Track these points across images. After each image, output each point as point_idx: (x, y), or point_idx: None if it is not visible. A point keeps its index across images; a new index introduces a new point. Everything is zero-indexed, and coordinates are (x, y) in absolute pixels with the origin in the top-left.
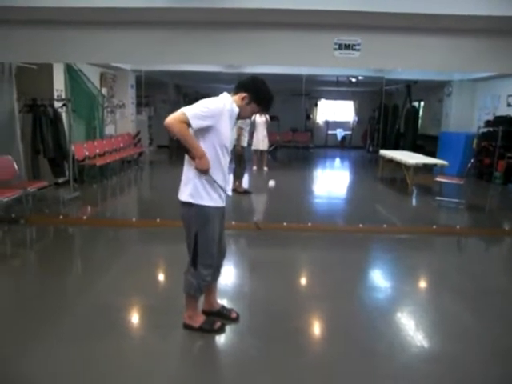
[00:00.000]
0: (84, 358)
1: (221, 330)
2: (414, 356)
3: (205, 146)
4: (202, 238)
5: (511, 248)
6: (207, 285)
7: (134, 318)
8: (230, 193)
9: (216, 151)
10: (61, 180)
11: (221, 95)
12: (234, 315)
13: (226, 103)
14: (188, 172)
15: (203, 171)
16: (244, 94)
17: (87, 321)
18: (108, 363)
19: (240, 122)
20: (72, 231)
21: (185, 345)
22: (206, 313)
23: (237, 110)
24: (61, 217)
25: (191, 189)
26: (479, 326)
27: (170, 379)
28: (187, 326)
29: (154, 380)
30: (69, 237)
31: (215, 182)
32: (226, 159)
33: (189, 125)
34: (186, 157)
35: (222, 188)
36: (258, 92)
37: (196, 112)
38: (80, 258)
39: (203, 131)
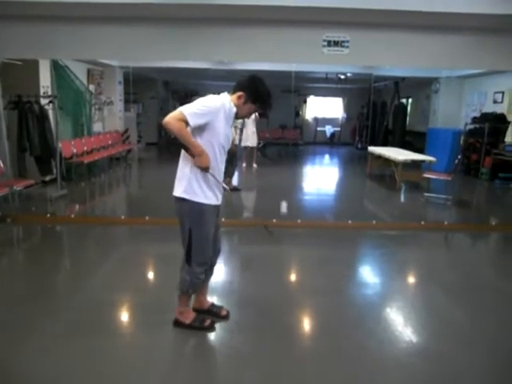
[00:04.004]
0: (77, 357)
1: (211, 328)
2: (404, 351)
3: (202, 144)
4: (196, 235)
5: (498, 243)
6: (201, 282)
7: (125, 315)
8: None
9: (214, 149)
10: (48, 178)
11: (220, 94)
12: (223, 313)
13: (224, 102)
14: (184, 168)
15: (204, 168)
16: (240, 93)
17: (78, 320)
18: (101, 361)
19: (238, 121)
20: (60, 230)
21: (175, 342)
22: (196, 311)
23: (234, 109)
24: (48, 215)
25: (185, 185)
26: (467, 321)
27: (160, 376)
28: (177, 322)
29: (144, 377)
30: (56, 235)
31: (215, 178)
32: (222, 158)
33: (187, 123)
34: (183, 153)
35: (221, 185)
36: (254, 91)
37: (193, 110)
38: (68, 257)
39: (201, 129)
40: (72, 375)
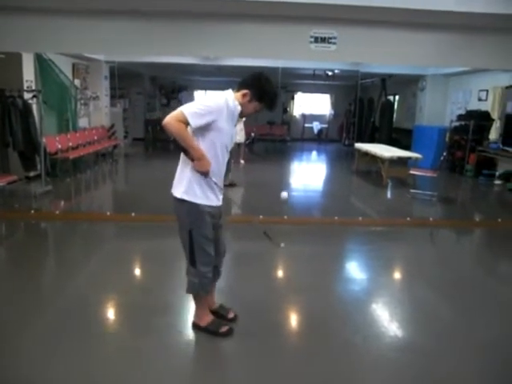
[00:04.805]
0: (66, 359)
1: (227, 335)
2: (389, 346)
3: (204, 145)
4: (197, 236)
5: (482, 239)
6: (209, 282)
7: (111, 315)
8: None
9: (216, 150)
10: (32, 174)
11: (224, 91)
12: (231, 315)
13: (227, 100)
14: (184, 168)
15: (203, 173)
16: (245, 91)
17: (63, 320)
18: (91, 362)
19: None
20: (44, 226)
21: (163, 343)
22: None
23: (239, 107)
24: (32, 211)
25: (186, 186)
26: (452, 316)
27: (149, 377)
28: (195, 325)
29: (135, 377)
30: (41, 232)
31: (216, 184)
32: (224, 159)
33: (187, 124)
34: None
35: (222, 185)
36: (259, 89)
37: (194, 110)
38: (53, 254)
39: (203, 129)
40: (64, 376)
